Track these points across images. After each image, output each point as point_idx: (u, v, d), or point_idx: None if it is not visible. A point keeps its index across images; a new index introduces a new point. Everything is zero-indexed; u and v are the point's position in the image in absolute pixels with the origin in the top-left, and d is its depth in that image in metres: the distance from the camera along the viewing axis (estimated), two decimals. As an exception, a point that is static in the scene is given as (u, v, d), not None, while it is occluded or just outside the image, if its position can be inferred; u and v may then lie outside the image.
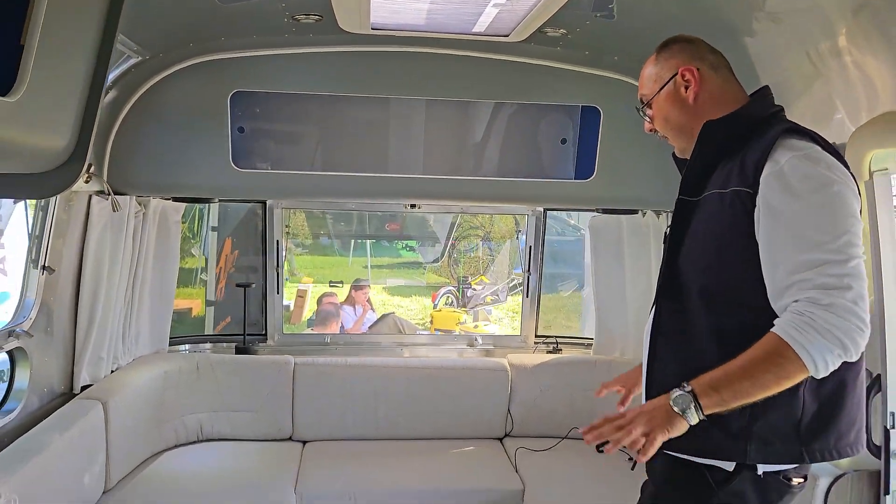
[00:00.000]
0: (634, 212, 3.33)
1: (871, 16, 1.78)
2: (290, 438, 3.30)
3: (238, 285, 3.49)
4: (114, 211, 2.75)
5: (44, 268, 2.46)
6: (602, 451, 1.56)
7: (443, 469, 3.03)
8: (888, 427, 2.07)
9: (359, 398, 3.30)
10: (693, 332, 1.57)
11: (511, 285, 7.40)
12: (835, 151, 1.50)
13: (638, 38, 2.44)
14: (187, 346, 3.51)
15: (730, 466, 1.55)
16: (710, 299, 1.54)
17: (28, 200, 2.57)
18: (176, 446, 3.14)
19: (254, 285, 3.50)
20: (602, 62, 2.93)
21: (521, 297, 3.75)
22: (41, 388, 2.56)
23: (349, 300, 6.70)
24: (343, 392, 3.29)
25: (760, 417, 1.50)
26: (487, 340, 3.72)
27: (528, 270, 3.66)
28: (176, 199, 3.17)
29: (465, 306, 7.61)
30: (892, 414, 2.07)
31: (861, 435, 1.58)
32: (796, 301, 1.39)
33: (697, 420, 1.46)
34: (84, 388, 2.77)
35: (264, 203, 3.43)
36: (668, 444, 1.55)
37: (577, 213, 5.08)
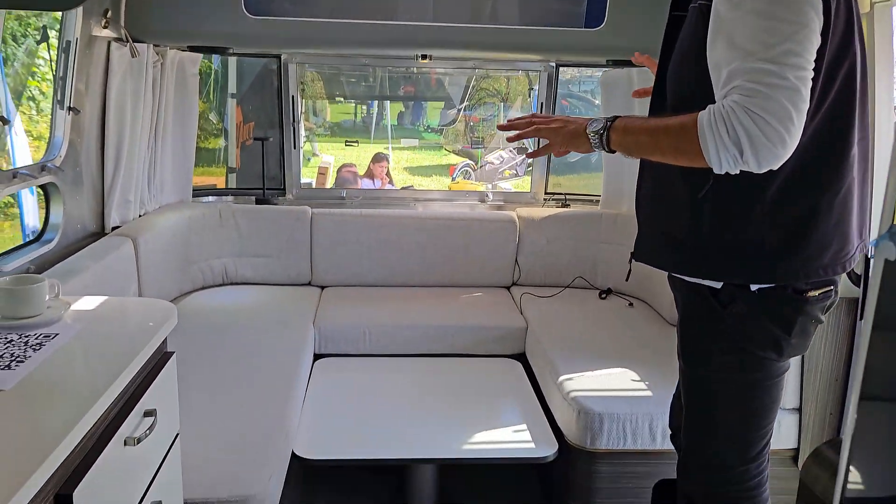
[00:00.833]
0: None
1: None
2: (309, 283, 3.51)
3: (256, 139, 3.61)
4: (133, 57, 2.83)
5: (69, 108, 2.57)
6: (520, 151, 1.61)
7: (452, 309, 3.22)
8: (868, 256, 2.17)
9: (374, 247, 3.47)
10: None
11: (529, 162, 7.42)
12: None
13: None
14: (210, 198, 3.67)
15: (718, 285, 1.58)
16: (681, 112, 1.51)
17: (52, 42, 2.65)
18: (203, 287, 3.37)
19: (271, 139, 3.61)
20: None
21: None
22: (74, 224, 2.74)
23: (368, 173, 6.80)
24: (358, 241, 3.46)
25: (725, 236, 1.53)
26: (498, 196, 3.84)
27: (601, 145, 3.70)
28: (191, 49, 3.23)
29: (483, 180, 7.69)
30: (871, 244, 2.17)
31: (839, 258, 1.56)
32: (733, 88, 1.34)
33: (601, 147, 1.51)
34: (114, 228, 2.95)
35: (279, 59, 3.49)
36: (652, 261, 1.68)
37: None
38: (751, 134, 1.29)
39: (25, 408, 1.15)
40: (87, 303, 1.61)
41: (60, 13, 2.49)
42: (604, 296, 3.40)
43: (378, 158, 6.83)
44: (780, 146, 1.30)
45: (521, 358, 3.06)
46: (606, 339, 2.88)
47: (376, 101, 8.31)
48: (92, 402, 1.15)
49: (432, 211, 3.64)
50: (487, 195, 3.82)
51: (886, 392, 1.03)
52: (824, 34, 1.37)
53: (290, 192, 3.71)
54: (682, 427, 1.78)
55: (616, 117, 1.52)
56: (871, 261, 2.21)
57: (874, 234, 2.21)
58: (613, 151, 1.52)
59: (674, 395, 1.95)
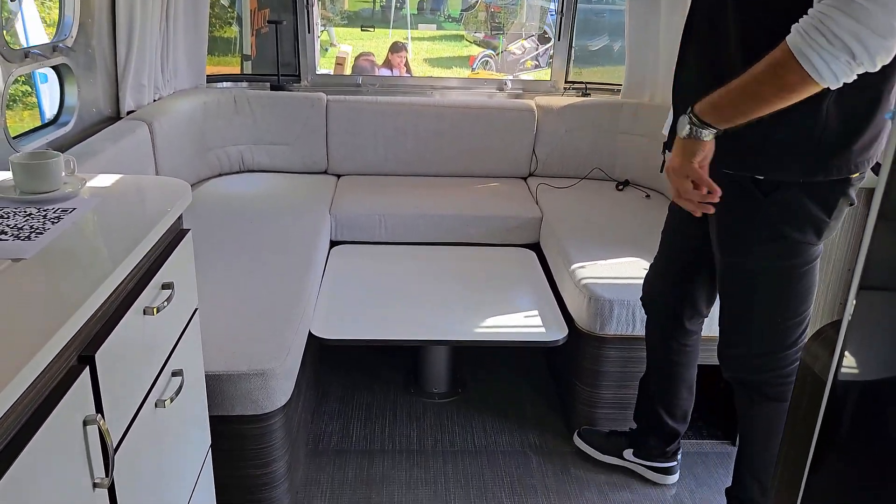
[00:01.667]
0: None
1: None
2: (325, 172, 3.51)
3: (269, 22, 3.52)
4: (139, -68, 2.73)
5: (78, -14, 2.51)
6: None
7: (467, 199, 3.22)
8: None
9: (389, 135, 3.44)
10: (722, 39, 1.55)
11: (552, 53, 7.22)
12: None
13: None
14: (225, 84, 3.63)
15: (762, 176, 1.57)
16: (742, 5, 1.49)
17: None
18: (220, 174, 3.39)
19: (284, 22, 3.52)
20: None
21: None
22: (89, 108, 2.73)
23: (386, 63, 6.66)
24: (374, 129, 3.43)
25: (778, 131, 1.48)
26: (517, 85, 3.75)
27: (562, 11, 3.58)
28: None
29: (504, 71, 7.51)
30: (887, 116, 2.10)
31: (881, 147, 1.54)
32: (819, 3, 1.27)
33: (712, 136, 1.48)
34: (129, 113, 2.94)
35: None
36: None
37: None
38: (855, 32, 1.21)
39: (46, 275, 1.18)
40: (103, 180, 1.63)
41: None
42: (621, 187, 3.37)
43: (396, 48, 6.67)
44: (885, 35, 1.21)
45: (536, 247, 3.09)
46: (621, 229, 2.88)
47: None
48: (110, 271, 1.18)
49: (450, 99, 3.57)
50: (506, 83, 3.73)
51: (888, 282, 1.03)
52: None
53: (306, 78, 3.65)
54: (721, 316, 1.82)
55: (690, 108, 1.48)
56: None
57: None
58: (722, 130, 1.47)
59: (650, 267, 2.08)
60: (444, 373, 2.75)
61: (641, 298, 2.15)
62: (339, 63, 7.89)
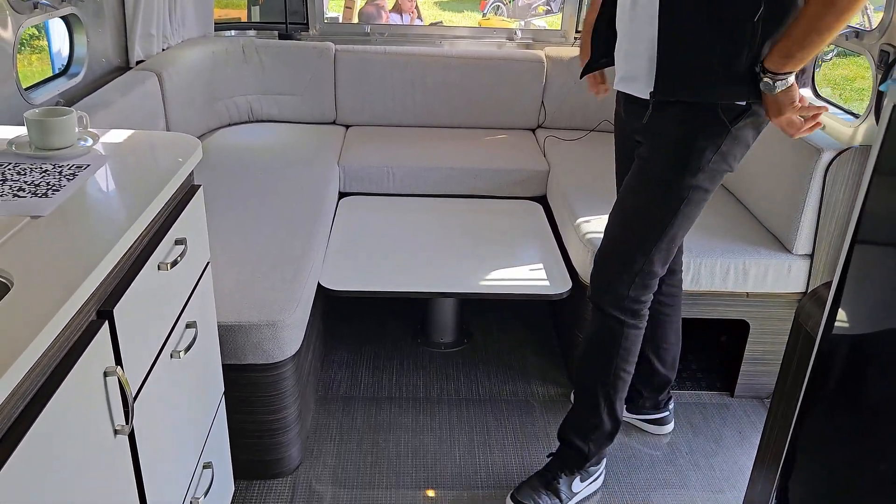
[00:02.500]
0: None
1: None
2: (333, 122, 3.52)
3: (277, -31, 3.49)
4: None
5: (84, -66, 2.50)
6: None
7: (476, 151, 3.24)
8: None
9: (398, 86, 3.44)
10: None
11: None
12: None
13: None
14: (232, 32, 3.61)
15: (744, 101, 1.66)
16: None
17: None
18: (230, 125, 3.40)
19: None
20: None
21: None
22: (99, 58, 2.74)
23: (396, 8, 6.56)
24: (382, 79, 3.42)
25: (762, 56, 1.59)
26: (527, 35, 3.71)
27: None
28: None
29: (515, 17, 7.40)
30: (882, 87, 2.10)
31: None
32: None
33: (791, 82, 1.59)
34: (139, 62, 2.95)
35: None
36: (684, 92, 1.68)
37: None
38: None
39: (64, 232, 1.23)
40: (116, 135, 1.66)
41: None
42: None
43: (406, -8, 6.57)
44: None
45: (543, 200, 3.11)
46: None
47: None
48: (126, 228, 1.23)
49: (458, 50, 3.55)
50: (516, 33, 3.70)
51: (883, 237, 1.06)
52: None
53: (314, 26, 3.62)
54: (613, 233, 1.89)
55: (761, 63, 1.59)
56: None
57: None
58: (803, 71, 1.62)
59: None
60: (450, 323, 2.81)
61: None
62: (349, 6, 7.78)
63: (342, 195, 3.07)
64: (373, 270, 2.50)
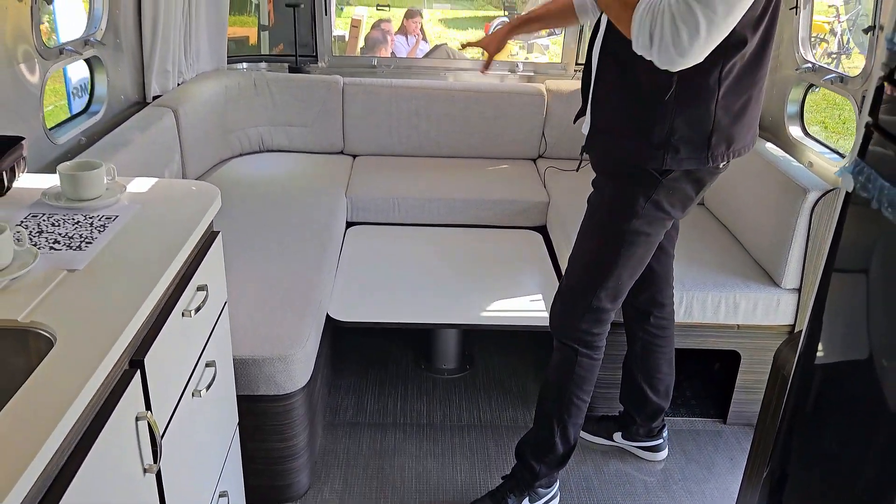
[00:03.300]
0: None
1: None
2: (341, 152, 3.64)
3: (287, 5, 3.62)
4: (163, -76, 2.83)
5: (107, -19, 2.63)
6: None
7: (478, 182, 3.35)
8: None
9: (403, 117, 3.56)
10: (628, 53, 1.67)
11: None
12: None
13: None
14: (244, 65, 3.74)
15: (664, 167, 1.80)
16: None
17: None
18: (241, 154, 3.53)
19: (302, 6, 3.62)
20: None
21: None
22: (118, 95, 2.86)
23: (402, 30, 6.68)
24: (388, 111, 3.54)
25: (677, 131, 1.73)
26: (528, 67, 3.84)
27: None
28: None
29: (519, 38, 7.52)
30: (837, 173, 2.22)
31: (755, 136, 1.87)
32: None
33: None
34: (155, 97, 3.08)
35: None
36: (605, 157, 1.91)
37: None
38: (664, 37, 1.48)
39: (98, 286, 1.34)
40: (140, 184, 1.78)
41: None
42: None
43: (411, 14, 6.68)
44: (678, 60, 1.50)
45: (542, 230, 3.22)
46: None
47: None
48: (155, 281, 1.34)
49: (462, 83, 3.67)
50: (517, 66, 3.82)
51: (854, 265, 1.17)
52: None
53: (322, 59, 3.75)
54: (569, 271, 2.06)
55: None
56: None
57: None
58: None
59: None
60: (453, 351, 2.92)
61: None
62: (355, 25, 7.92)
63: (349, 224, 3.18)
64: (379, 301, 2.61)
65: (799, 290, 2.48)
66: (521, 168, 3.57)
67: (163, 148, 2.80)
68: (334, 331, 2.84)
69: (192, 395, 1.54)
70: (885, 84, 0.99)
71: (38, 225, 1.54)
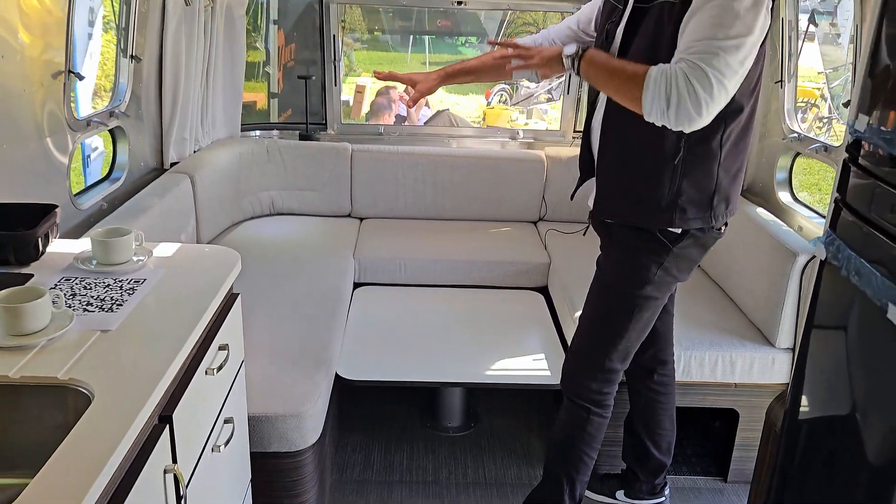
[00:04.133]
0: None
1: None
2: (349, 215, 3.78)
3: (299, 77, 3.80)
4: (186, 5, 3.02)
5: (132, 57, 2.80)
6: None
7: (481, 244, 3.47)
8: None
9: (409, 182, 3.70)
10: (633, 125, 1.80)
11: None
12: None
13: None
14: (257, 133, 3.91)
15: (678, 229, 1.91)
16: None
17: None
18: (252, 217, 3.66)
19: (314, 77, 3.80)
20: None
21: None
22: (138, 162, 3.01)
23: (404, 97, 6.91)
24: (395, 176, 3.69)
25: (684, 193, 1.85)
26: (528, 134, 4.00)
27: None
28: (240, -7, 3.40)
29: (518, 104, 7.77)
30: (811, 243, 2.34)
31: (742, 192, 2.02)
32: (682, 58, 1.65)
33: (571, 70, 1.82)
34: (173, 164, 3.22)
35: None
36: (618, 217, 1.98)
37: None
38: (681, 98, 1.60)
39: (130, 345, 1.43)
40: (165, 249, 1.89)
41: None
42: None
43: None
44: (696, 118, 1.63)
45: (544, 290, 3.32)
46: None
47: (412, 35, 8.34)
48: (183, 341, 1.43)
49: (465, 149, 3.83)
50: (518, 133, 3.98)
51: (833, 321, 1.26)
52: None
53: (332, 127, 3.92)
54: (580, 332, 2.15)
55: (588, 47, 1.82)
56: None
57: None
58: (580, 76, 1.82)
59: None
60: (458, 409, 2.98)
61: None
62: (359, 91, 8.19)
63: (357, 285, 3.28)
64: (387, 360, 2.68)
65: (793, 350, 2.56)
66: (523, 231, 3.69)
67: (179, 213, 2.92)
68: (341, 389, 2.91)
69: (212, 450, 1.61)
70: (850, 166, 1.10)
71: (72, 288, 1.64)
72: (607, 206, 2.01)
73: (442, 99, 10.29)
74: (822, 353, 1.26)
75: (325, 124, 3.91)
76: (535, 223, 3.81)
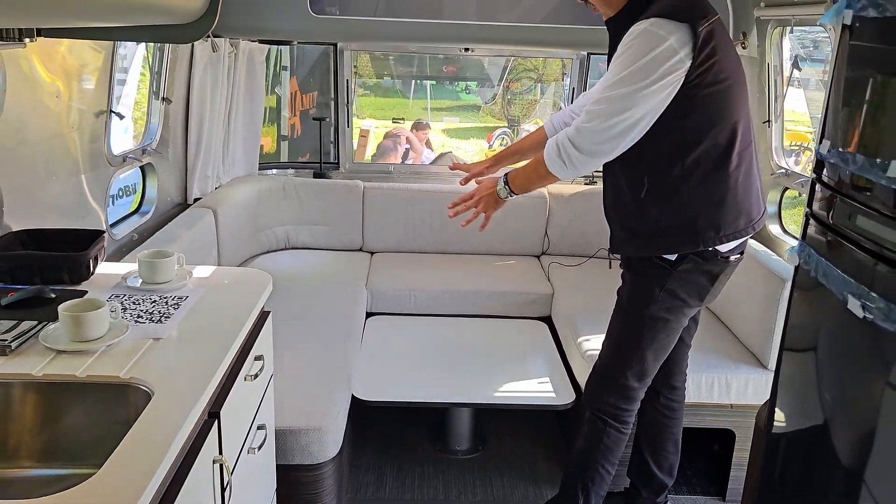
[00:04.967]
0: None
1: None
2: (360, 249, 3.95)
3: (314, 119, 4.02)
4: (213, 51, 3.24)
5: (163, 99, 3.01)
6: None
7: (488, 276, 3.64)
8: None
9: (417, 217, 3.89)
10: (618, 162, 2.05)
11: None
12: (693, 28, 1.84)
13: None
14: (274, 171, 4.11)
15: (672, 255, 2.08)
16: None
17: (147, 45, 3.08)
18: (268, 251, 3.83)
19: (327, 119, 4.02)
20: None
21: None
22: (164, 197, 3.19)
23: (412, 144, 7.15)
24: (404, 212, 3.88)
25: (662, 220, 2.04)
26: (531, 173, 4.20)
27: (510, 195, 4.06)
28: (261, 42, 3.63)
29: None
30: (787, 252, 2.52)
31: (751, 223, 2.09)
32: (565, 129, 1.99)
33: (507, 196, 2.18)
34: (196, 199, 3.41)
35: (335, 45, 3.88)
36: (623, 250, 2.18)
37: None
38: (565, 152, 1.94)
39: (181, 351, 1.59)
40: (203, 271, 2.05)
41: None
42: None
43: (420, 126, 7.17)
44: (577, 160, 1.95)
45: (548, 320, 3.47)
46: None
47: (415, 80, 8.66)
48: (227, 348, 1.59)
49: (471, 186, 4.01)
50: (521, 171, 4.18)
51: (805, 343, 1.42)
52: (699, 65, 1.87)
53: (344, 166, 4.12)
54: (602, 351, 2.33)
55: (506, 174, 2.15)
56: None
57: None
58: (516, 194, 2.15)
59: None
60: (466, 432, 3.11)
61: None
62: (363, 135, 8.46)
63: (369, 314, 3.44)
64: (399, 383, 2.83)
65: (784, 372, 2.71)
66: (527, 263, 3.86)
67: (203, 244, 3.10)
68: (355, 413, 3.05)
69: (248, 451, 1.76)
70: (816, 183, 1.28)
71: (122, 303, 1.80)
72: (614, 242, 2.22)
73: (444, 143, 10.57)
74: (797, 346, 1.42)
75: (338, 163, 4.11)
76: (538, 257, 3.98)
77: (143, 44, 3.02)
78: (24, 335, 1.57)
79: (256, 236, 3.74)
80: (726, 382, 2.71)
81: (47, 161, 2.23)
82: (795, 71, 3.10)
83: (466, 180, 2.61)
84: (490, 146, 8.30)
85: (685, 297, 2.13)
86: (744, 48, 3.08)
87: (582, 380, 2.79)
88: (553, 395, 2.80)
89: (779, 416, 1.49)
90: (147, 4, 1.59)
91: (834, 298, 1.24)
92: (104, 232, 2.02)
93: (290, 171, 4.14)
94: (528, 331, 3.37)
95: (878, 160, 1.14)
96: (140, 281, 1.92)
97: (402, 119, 7.42)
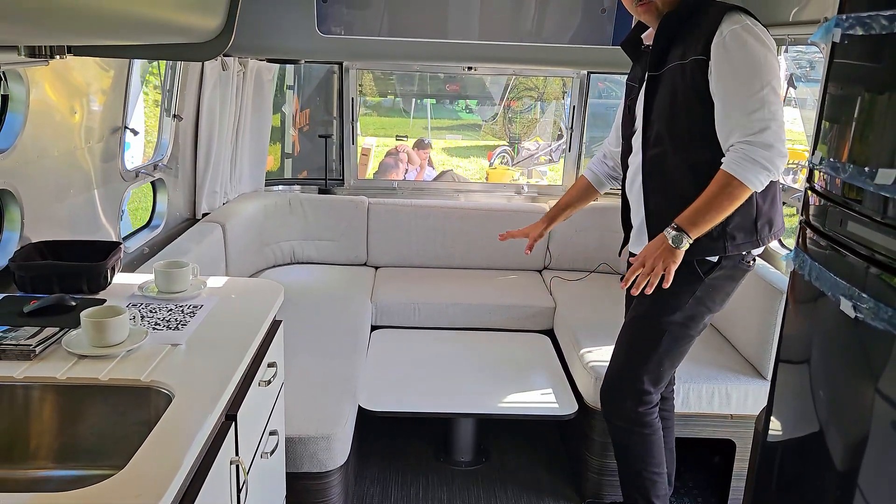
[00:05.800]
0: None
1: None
2: (365, 264, 4.01)
3: (320, 136, 4.10)
4: (223, 70, 3.32)
5: (174, 116, 3.08)
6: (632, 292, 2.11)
7: (491, 290, 3.70)
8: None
9: (421, 233, 3.95)
10: (671, 170, 2.10)
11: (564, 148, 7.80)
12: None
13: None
14: (280, 187, 4.18)
15: (714, 258, 2.13)
16: (682, 142, 2.08)
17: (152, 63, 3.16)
18: (274, 266, 3.89)
19: (333, 136, 4.10)
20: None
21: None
22: (174, 212, 3.26)
23: (411, 160, 7.24)
24: (408, 227, 3.94)
25: (731, 221, 2.06)
26: (532, 189, 4.28)
27: (571, 128, 4.14)
28: (269, 60, 3.72)
29: (519, 164, 8.11)
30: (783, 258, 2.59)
31: (776, 232, 2.16)
32: (736, 142, 1.93)
33: (689, 245, 2.02)
34: (204, 215, 3.47)
35: (341, 64, 3.96)
36: (690, 253, 2.14)
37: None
38: (767, 157, 1.90)
39: (198, 357, 1.64)
40: (217, 281, 2.11)
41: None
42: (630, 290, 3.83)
43: (421, 145, 7.26)
44: (783, 156, 1.92)
45: (550, 333, 3.53)
46: (624, 318, 3.31)
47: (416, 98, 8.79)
48: (242, 354, 1.65)
49: (473, 202, 4.10)
50: (523, 188, 4.26)
51: (800, 354, 1.47)
52: None
53: (348, 182, 4.20)
54: (614, 357, 2.35)
55: (673, 224, 2.02)
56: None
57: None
58: (697, 236, 2.02)
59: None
60: (469, 444, 3.15)
61: None
62: (364, 154, 8.56)
63: (374, 327, 3.49)
64: (404, 394, 2.87)
65: (783, 382, 2.76)
66: (529, 278, 3.92)
67: (212, 258, 3.16)
68: (361, 425, 3.09)
69: (261, 456, 1.80)
70: (809, 192, 1.34)
71: (139, 311, 1.86)
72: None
73: (444, 161, 10.67)
74: (793, 349, 1.47)
75: (343, 180, 4.18)
76: (539, 271, 4.04)
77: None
78: (47, 341, 1.63)
79: (263, 251, 3.80)
80: (726, 393, 2.75)
81: (64, 176, 2.30)
82: (791, 90, 3.18)
83: (530, 248, 2.69)
84: (491, 164, 8.39)
85: (710, 304, 2.17)
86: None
87: (585, 391, 2.84)
88: (556, 405, 2.84)
89: (775, 424, 1.54)
90: (170, 23, 1.66)
91: (827, 300, 1.30)
92: (121, 243, 2.08)
93: (297, 187, 4.21)
94: (531, 343, 3.42)
95: (867, 168, 1.21)
96: (156, 290, 1.98)
97: (406, 136, 7.51)
